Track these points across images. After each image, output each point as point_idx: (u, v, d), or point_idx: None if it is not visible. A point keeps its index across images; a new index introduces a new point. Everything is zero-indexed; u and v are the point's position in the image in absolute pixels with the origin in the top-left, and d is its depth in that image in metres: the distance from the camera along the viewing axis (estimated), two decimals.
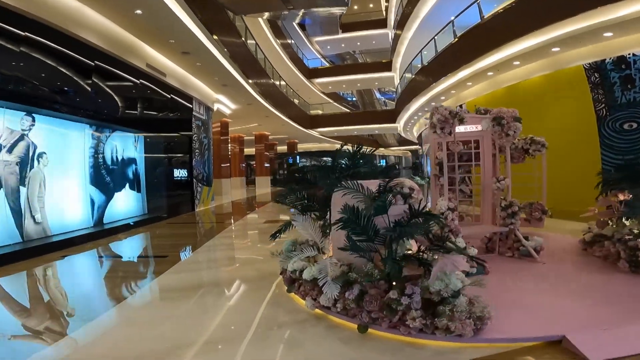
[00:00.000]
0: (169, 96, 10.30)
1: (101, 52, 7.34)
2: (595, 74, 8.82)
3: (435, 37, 13.92)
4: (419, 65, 17.07)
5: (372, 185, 3.00)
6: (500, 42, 9.89)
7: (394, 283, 2.64)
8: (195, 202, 11.60)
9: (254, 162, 28.72)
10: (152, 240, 7.18)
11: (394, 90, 37.21)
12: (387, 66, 23.60)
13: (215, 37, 10.14)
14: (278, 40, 21.20)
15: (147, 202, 9.39)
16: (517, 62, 10.47)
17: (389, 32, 24.43)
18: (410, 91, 16.85)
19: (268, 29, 19.76)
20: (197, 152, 11.78)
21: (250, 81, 13.75)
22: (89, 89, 6.97)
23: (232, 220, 9.56)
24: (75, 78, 6.65)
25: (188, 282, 4.22)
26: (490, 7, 11.19)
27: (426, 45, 14.71)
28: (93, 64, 7.10)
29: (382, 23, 24.69)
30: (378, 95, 36.19)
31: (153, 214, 9.40)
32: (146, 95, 9.20)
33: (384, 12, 26.62)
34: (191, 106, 11.60)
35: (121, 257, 5.94)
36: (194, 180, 11.38)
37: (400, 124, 22.59)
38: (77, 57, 6.67)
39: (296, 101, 22.18)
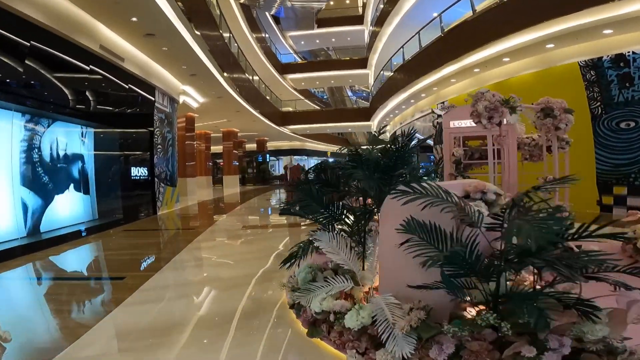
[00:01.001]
0: (127, 85, 8.84)
1: (42, 29, 5.89)
2: (592, 72, 8.47)
3: (420, 33, 13.28)
4: (396, 63, 16.53)
5: (454, 188, 2.07)
6: (492, 37, 9.40)
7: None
8: (158, 204, 10.18)
9: (221, 161, 27.13)
10: (105, 254, 5.83)
11: (367, 88, 36.96)
12: (363, 63, 22.93)
13: (187, 20, 8.83)
14: (253, 34, 19.93)
15: (98, 206, 7.94)
16: (507, 59, 10.01)
17: (365, 28, 23.81)
18: (389, 88, 16.19)
19: (244, 20, 18.49)
20: (160, 149, 10.35)
21: (223, 73, 12.44)
22: (20, 70, 5.51)
23: (203, 226, 8.32)
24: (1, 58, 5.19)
25: (156, 320, 3.03)
26: (480, 0, 10.68)
27: (408, 40, 14.07)
28: (28, 44, 5.64)
29: (358, 19, 24.03)
30: (350, 93, 35.55)
31: (105, 219, 7.96)
32: (98, 83, 7.74)
33: (361, 9, 26.01)
34: (153, 98, 10.16)
35: (57, 278, 4.59)
36: (156, 179, 9.96)
37: (374, 122, 21.98)
38: (7, 35, 5.22)
39: (268, 97, 20.95)
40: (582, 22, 7.66)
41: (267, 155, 28.31)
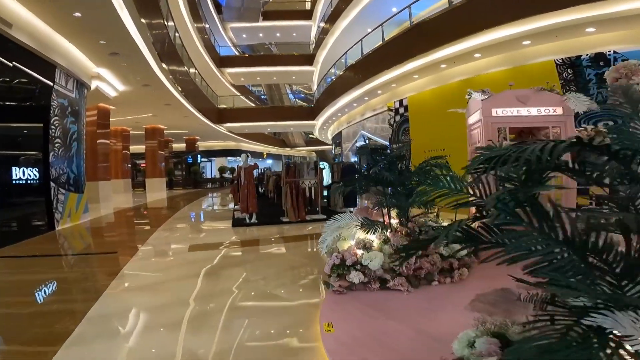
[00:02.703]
0: (11, 63, 6.22)
1: None
2: (569, 70, 8.06)
3: (382, 27, 12.23)
4: (345, 62, 15.39)
5: None
6: (465, 32, 8.59)
7: None
8: (56, 216, 7.51)
9: (142, 162, 23.56)
10: None
11: (306, 90, 35.72)
12: (309, 60, 21.48)
13: None
14: (195, 24, 17.30)
15: None
16: (479, 55, 9.28)
17: (314, 24, 22.44)
18: (341, 85, 14.93)
19: (186, 8, 15.89)
20: (59, 144, 7.68)
21: (156, 54, 9.96)
22: None
23: (128, 248, 6.04)
24: None
25: None
26: None
27: (370, 32, 12.96)
28: None
29: (307, 14, 22.57)
30: (289, 93, 33.90)
31: None
32: None
33: (309, 4, 24.57)
34: (52, 80, 7.50)
35: None
36: (52, 184, 7.30)
37: (319, 122, 20.66)
38: None
39: (203, 92, 18.40)
40: (565, 19, 7.19)
41: (199, 156, 25.36)
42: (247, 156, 7.91)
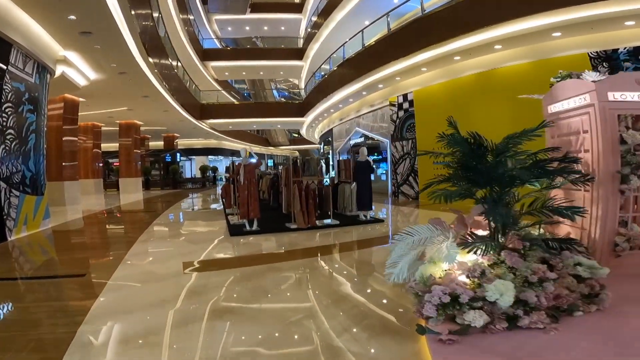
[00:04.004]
0: None
1: None
2: (604, 64, 7.27)
3: (389, 16, 11.20)
4: (342, 54, 14.26)
5: None
6: (489, 21, 7.70)
7: None
8: (8, 224, 5.95)
9: (115, 160, 21.55)
10: None
11: (289, 87, 34.21)
12: (299, 54, 20.17)
13: None
14: (181, 15, 15.66)
15: None
16: (499, 46, 8.38)
17: (304, 18, 21.16)
18: (337, 79, 13.76)
19: (173, 2, 14.34)
20: (11, 137, 6.09)
21: (138, 36, 8.45)
22: None
23: (100, 268, 4.63)
24: None
25: None
26: None
27: (375, 21, 11.88)
28: None
29: (297, 7, 21.24)
30: (274, 90, 32.37)
31: None
32: None
33: None
34: (6, 60, 5.92)
35: None
36: (1, 183, 5.73)
37: (308, 119, 19.42)
38: None
39: (186, 85, 16.77)
40: (604, 11, 6.45)
41: (178, 155, 23.51)
42: (250, 153, 6.59)
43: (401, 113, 11.55)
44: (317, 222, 6.73)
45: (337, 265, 4.45)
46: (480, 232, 2.95)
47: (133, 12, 8.06)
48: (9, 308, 3.14)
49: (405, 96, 11.42)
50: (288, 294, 3.40)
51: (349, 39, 13.63)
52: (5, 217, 5.84)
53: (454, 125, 2.70)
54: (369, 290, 3.47)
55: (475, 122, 9.51)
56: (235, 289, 3.56)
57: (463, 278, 2.37)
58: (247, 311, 2.94)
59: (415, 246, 2.73)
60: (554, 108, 4.00)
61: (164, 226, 7.88)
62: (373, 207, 7.61)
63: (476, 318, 2.10)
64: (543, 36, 7.72)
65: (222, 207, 11.60)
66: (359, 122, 14.98)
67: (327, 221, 6.91)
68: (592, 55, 7.45)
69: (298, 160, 7.02)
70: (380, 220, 7.30)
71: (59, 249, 5.94)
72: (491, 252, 2.50)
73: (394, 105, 11.90)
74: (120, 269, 4.27)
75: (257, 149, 32.61)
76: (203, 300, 3.14)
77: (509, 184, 2.59)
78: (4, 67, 5.89)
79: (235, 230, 6.36)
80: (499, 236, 2.69)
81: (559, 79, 3.98)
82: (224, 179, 28.15)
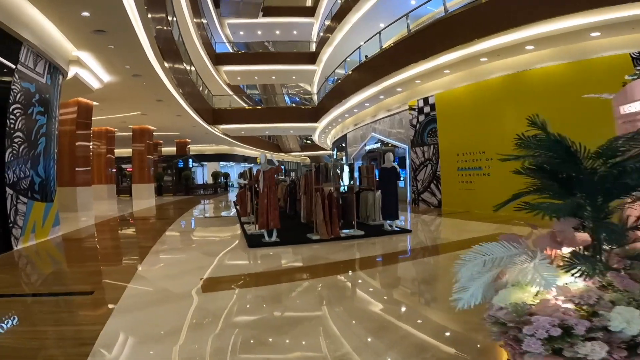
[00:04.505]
0: None
1: None
2: None
3: (408, 18, 10.74)
4: (359, 57, 13.84)
5: None
6: (520, 21, 7.22)
7: None
8: (15, 232, 5.56)
9: (129, 166, 21.36)
10: None
11: (301, 93, 33.92)
12: (311, 58, 19.80)
13: None
14: (195, 20, 15.48)
15: None
16: (531, 47, 7.85)
17: (316, 22, 20.87)
18: (352, 83, 13.31)
19: (187, 5, 14.13)
20: (20, 140, 5.73)
21: (154, 36, 8.15)
22: None
23: (110, 283, 4.18)
24: None
25: None
26: None
27: (394, 22, 11.40)
28: None
29: (309, 11, 20.97)
30: (285, 95, 32.09)
31: None
32: None
33: (310, 0, 23.08)
34: (16, 58, 5.59)
35: None
36: (8, 189, 5.35)
37: (321, 124, 18.99)
38: None
39: (199, 90, 16.50)
40: None
41: (190, 161, 23.24)
42: (272, 159, 6.14)
43: (422, 117, 11.02)
44: (341, 233, 6.22)
45: (373, 284, 3.92)
46: (565, 250, 2.42)
47: (150, 16, 7.75)
48: (2, 332, 2.68)
49: (426, 100, 10.89)
50: (324, 318, 2.89)
51: (365, 42, 13.22)
52: (11, 225, 5.45)
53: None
54: (419, 316, 2.94)
55: (503, 126, 8.99)
56: (263, 313, 3.06)
57: (566, 304, 1.84)
58: (280, 343, 2.44)
59: (488, 267, 2.21)
60: (628, 109, 3.43)
61: (178, 235, 7.45)
62: (400, 217, 7.06)
63: (596, 350, 1.58)
64: (580, 36, 7.18)
65: (235, 213, 11.19)
66: (375, 127, 14.48)
67: (351, 232, 6.40)
68: (634, 56, 6.87)
69: (320, 167, 6.53)
70: (408, 231, 6.76)
71: (67, 260, 5.52)
72: (597, 274, 1.96)
73: (413, 109, 11.38)
74: (132, 284, 3.81)
75: (267, 155, 32.34)
76: (227, 328, 2.65)
77: (619, 193, 2.06)
78: (13, 66, 5.53)
79: (253, 241, 5.87)
80: (601, 255, 2.15)
81: (635, 77, 3.42)
82: (235, 185, 27.86)
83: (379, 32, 12.01)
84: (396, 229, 6.79)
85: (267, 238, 5.92)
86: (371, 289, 3.76)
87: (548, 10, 6.81)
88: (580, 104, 7.44)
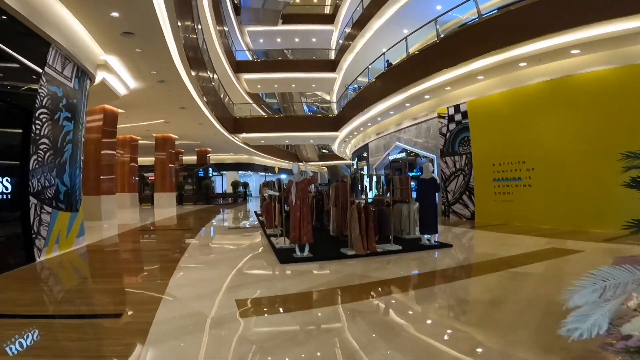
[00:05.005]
0: None
1: None
2: None
3: (437, 23, 10.33)
4: (384, 64, 13.46)
5: None
6: (567, 24, 6.69)
7: None
8: (38, 243, 5.28)
9: (150, 175, 21.38)
10: None
11: (317, 102, 33.77)
12: (331, 66, 19.54)
13: None
14: (217, 27, 15.48)
15: None
16: (577, 51, 7.27)
17: (335, 29, 20.69)
18: (375, 91, 12.92)
19: (210, 13, 14.10)
20: (46, 147, 5.48)
21: (180, 40, 7.96)
22: None
23: (139, 304, 3.80)
24: None
25: None
26: None
27: (424, 26, 10.95)
28: None
29: (329, 18, 20.85)
30: (304, 104, 31.93)
31: None
32: None
33: (328, 8, 22.98)
34: (39, 67, 5.38)
35: None
36: (32, 199, 5.08)
37: (342, 133, 18.59)
38: None
39: (220, 97, 16.39)
40: None
41: (210, 170, 23.14)
42: (299, 166, 5.73)
43: (452, 126, 10.48)
44: (377, 248, 5.72)
45: (433, 307, 3.42)
46: None
47: (178, 23, 7.55)
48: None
49: (457, 107, 10.36)
50: (386, 353, 2.40)
51: (388, 49, 12.84)
52: (34, 236, 5.17)
53: None
54: (502, 350, 2.42)
55: (543, 135, 8.39)
56: (313, 344, 2.59)
57: None
58: None
59: (611, 294, 1.75)
60: None
61: (204, 248, 7.07)
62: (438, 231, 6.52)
63: None
64: (632, 40, 6.59)
65: (256, 223, 10.83)
66: (399, 136, 13.98)
67: (388, 246, 5.90)
68: None
69: (355, 178, 6.08)
70: (449, 245, 6.21)
71: (92, 274, 5.19)
72: None
73: (443, 117, 10.85)
74: (163, 306, 3.41)
75: (286, 164, 32.04)
76: None
77: None
78: (40, 69, 5.31)
79: (284, 257, 5.43)
80: None
81: None
82: (254, 195, 27.58)
83: (405, 38, 11.59)
84: (434, 243, 6.26)
85: (298, 253, 5.48)
86: (436, 314, 3.25)
87: (597, 13, 6.29)
88: (631, 111, 6.82)
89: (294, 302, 3.65)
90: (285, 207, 6.55)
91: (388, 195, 6.55)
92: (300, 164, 6.10)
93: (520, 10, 7.65)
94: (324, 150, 35.38)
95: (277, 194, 6.35)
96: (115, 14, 5.81)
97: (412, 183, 7.93)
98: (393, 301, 3.63)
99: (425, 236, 6.32)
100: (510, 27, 7.71)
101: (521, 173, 8.48)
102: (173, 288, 4.02)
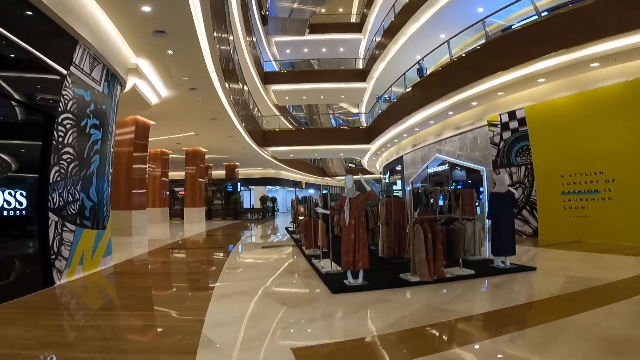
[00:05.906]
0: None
1: None
2: None
3: (485, 24, 9.40)
4: (423, 70, 12.56)
5: None
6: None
7: None
8: (57, 265, 4.58)
9: (181, 189, 21.09)
10: None
11: (343, 115, 33.04)
12: (361, 75, 18.80)
13: None
14: (247, 38, 15.21)
15: None
16: None
17: (363, 38, 20.06)
18: (413, 100, 11.95)
19: (240, 22, 13.83)
20: (69, 157, 4.84)
21: (215, 44, 7.43)
22: None
23: (176, 342, 2.96)
24: None
25: None
26: None
27: (471, 26, 10.02)
28: None
29: (356, 27, 20.29)
30: (331, 116, 31.28)
31: None
32: None
33: (355, 16, 22.49)
34: (70, 58, 4.84)
35: None
36: (52, 215, 4.41)
37: (374, 146, 17.64)
38: None
39: (249, 110, 15.91)
40: None
41: (239, 185, 22.66)
42: (353, 179, 4.82)
43: (507, 134, 9.34)
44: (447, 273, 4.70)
45: (579, 349, 2.37)
46: None
47: (214, 30, 6.98)
48: None
49: (512, 114, 9.24)
50: None
51: (423, 57, 11.95)
52: (54, 256, 4.48)
53: None
54: None
55: (625, 142, 7.16)
56: None
57: None
58: None
59: None
60: None
61: (239, 271, 6.20)
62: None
63: None
64: None
65: (288, 238, 9.98)
66: (439, 147, 12.89)
67: (458, 271, 4.85)
68: None
69: (418, 193, 5.11)
70: (531, 268, 5.08)
71: (118, 303, 4.42)
72: None
73: (495, 125, 9.73)
74: (201, 352, 2.54)
75: (312, 179, 31.28)
76: None
77: None
78: (64, 70, 4.71)
79: (335, 285, 4.48)
80: None
81: None
82: (282, 210, 26.82)
83: (447, 41, 10.65)
84: (511, 266, 5.16)
85: (351, 280, 4.52)
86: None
87: None
88: None
89: (361, 351, 2.67)
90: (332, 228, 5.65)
91: (452, 212, 5.51)
92: (355, 176, 5.19)
93: (592, 6, 6.59)
94: (350, 165, 34.40)
95: (327, 212, 5.44)
96: (146, 9, 5.23)
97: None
98: (509, 344, 2.59)
99: (499, 258, 5.23)
100: (581, 25, 6.66)
101: (599, 185, 7.23)
102: (211, 328, 3.14)
